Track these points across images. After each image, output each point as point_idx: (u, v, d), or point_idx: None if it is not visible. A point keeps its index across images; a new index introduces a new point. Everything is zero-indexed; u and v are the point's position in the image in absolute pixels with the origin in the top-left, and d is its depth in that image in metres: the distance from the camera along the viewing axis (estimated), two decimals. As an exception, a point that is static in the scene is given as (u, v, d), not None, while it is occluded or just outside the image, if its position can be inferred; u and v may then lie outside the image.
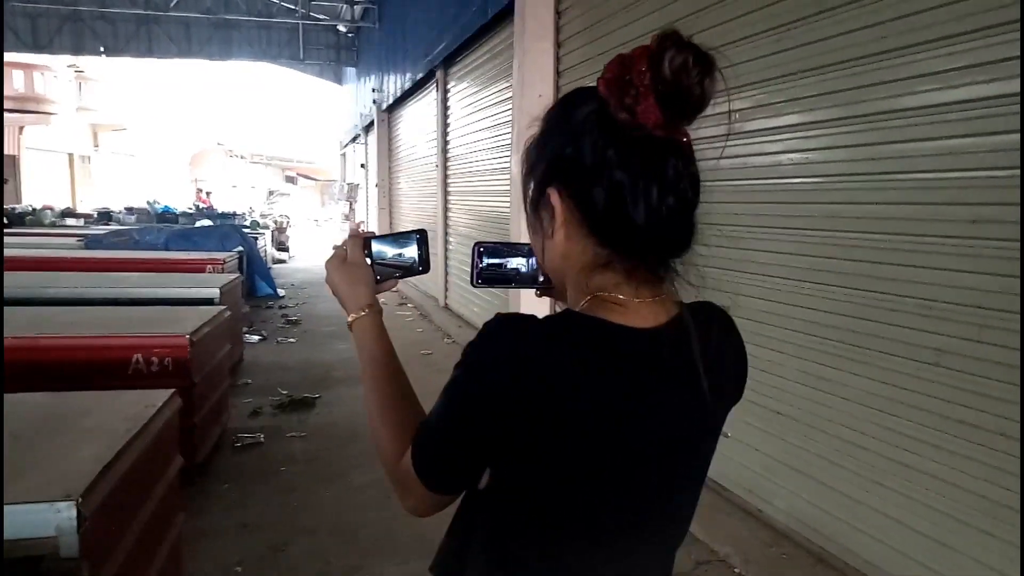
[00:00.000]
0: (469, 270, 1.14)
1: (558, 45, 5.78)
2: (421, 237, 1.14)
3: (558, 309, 0.92)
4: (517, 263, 1.13)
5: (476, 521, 0.87)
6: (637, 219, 0.78)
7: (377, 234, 1.12)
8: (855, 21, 2.76)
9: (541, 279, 1.11)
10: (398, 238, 1.13)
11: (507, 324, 0.80)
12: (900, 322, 2.64)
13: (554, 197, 0.83)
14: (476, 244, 1.12)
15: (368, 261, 1.10)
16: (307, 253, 19.44)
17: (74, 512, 1.72)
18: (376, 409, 0.92)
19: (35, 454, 1.99)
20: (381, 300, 1.07)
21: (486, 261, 1.13)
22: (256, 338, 7.69)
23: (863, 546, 2.83)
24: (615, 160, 0.78)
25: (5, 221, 13.45)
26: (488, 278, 1.13)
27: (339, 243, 1.11)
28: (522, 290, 1.18)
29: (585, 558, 0.83)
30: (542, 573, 0.84)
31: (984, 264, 2.34)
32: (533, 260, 1.11)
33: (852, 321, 2.84)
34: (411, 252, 1.13)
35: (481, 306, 7.97)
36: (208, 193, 27.33)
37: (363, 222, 18.53)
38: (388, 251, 1.12)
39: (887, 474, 2.71)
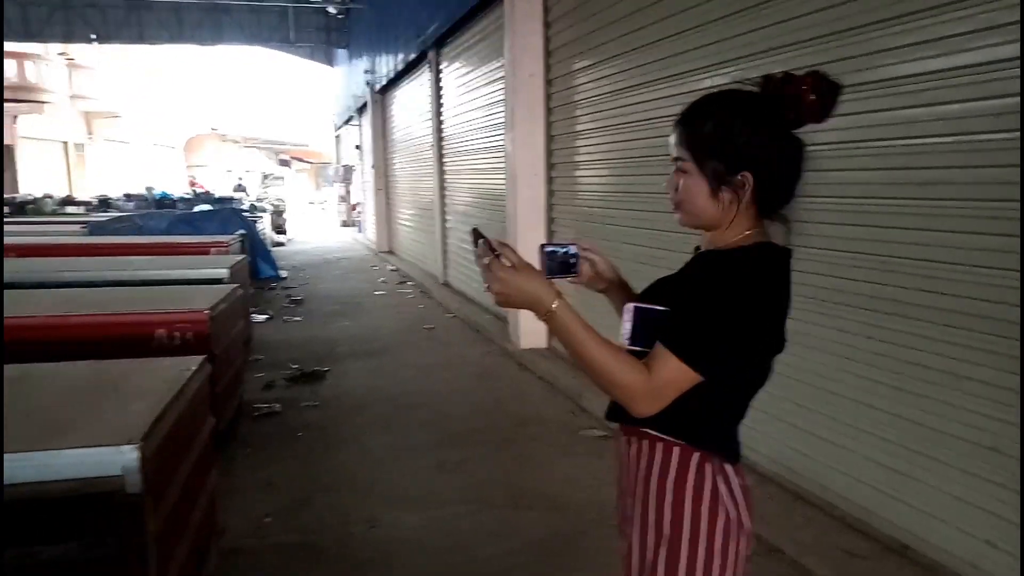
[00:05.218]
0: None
1: (547, 25, 5.95)
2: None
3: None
4: (571, 258, 1.44)
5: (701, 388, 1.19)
6: (792, 195, 1.23)
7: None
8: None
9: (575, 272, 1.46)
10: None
11: (759, 255, 1.19)
12: (861, 277, 2.91)
13: (747, 177, 1.19)
14: (542, 245, 1.43)
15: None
16: (305, 236, 19.63)
17: (137, 454, 1.97)
18: (607, 363, 1.18)
19: (91, 410, 2.25)
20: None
21: (549, 259, 1.42)
22: (263, 317, 7.95)
23: (835, 481, 3.11)
24: (794, 157, 1.20)
25: (7, 210, 13.60)
26: (553, 271, 1.43)
27: (484, 258, 1.28)
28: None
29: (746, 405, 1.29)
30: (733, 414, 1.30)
31: (936, 222, 2.59)
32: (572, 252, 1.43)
33: (821, 279, 3.10)
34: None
35: (481, 283, 8.20)
36: (193, 178, 27.35)
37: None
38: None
39: (856, 416, 2.99)
